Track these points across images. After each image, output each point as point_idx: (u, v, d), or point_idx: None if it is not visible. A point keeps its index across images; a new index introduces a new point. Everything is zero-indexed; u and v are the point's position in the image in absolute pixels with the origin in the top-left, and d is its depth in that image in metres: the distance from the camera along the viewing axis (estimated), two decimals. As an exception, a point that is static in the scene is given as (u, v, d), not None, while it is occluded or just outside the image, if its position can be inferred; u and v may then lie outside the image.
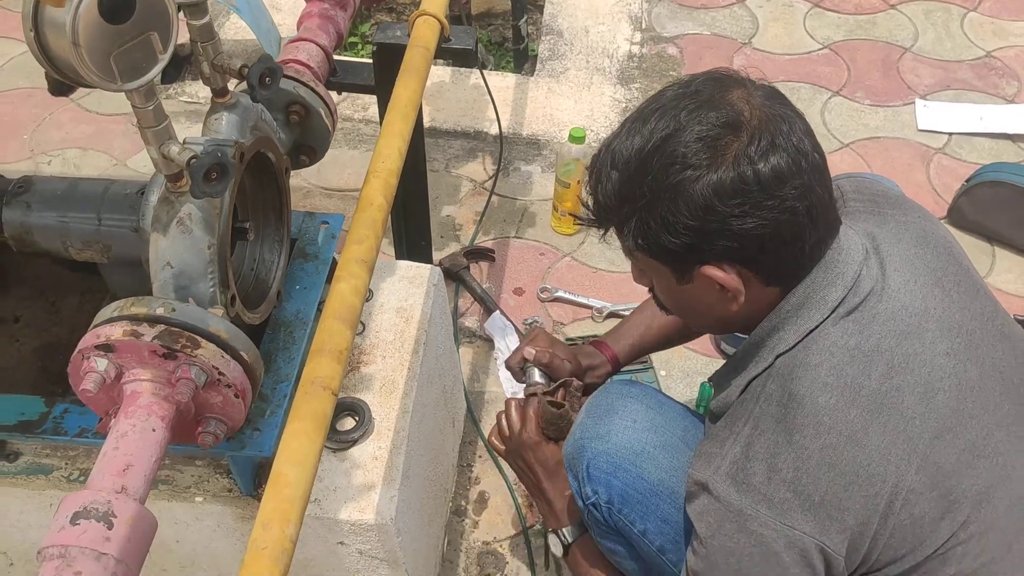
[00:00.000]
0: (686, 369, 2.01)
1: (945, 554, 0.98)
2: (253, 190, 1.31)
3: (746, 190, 0.93)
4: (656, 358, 2.01)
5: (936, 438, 0.97)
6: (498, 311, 2.11)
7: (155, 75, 0.95)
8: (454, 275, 2.20)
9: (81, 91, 2.85)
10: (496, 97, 2.53)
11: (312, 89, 1.36)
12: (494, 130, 2.54)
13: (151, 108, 0.96)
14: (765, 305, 1.03)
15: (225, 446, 1.23)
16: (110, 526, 0.89)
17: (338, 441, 1.33)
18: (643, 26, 2.97)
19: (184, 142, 1.03)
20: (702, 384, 1.89)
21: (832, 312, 0.99)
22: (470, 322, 2.13)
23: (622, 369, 1.54)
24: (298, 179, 2.50)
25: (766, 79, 1.01)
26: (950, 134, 2.56)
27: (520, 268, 2.25)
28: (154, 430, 0.99)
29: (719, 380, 1.12)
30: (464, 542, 1.75)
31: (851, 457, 0.95)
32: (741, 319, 1.07)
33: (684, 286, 1.03)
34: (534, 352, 1.45)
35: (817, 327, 1.00)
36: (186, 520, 1.34)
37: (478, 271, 2.24)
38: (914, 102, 2.65)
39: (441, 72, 2.77)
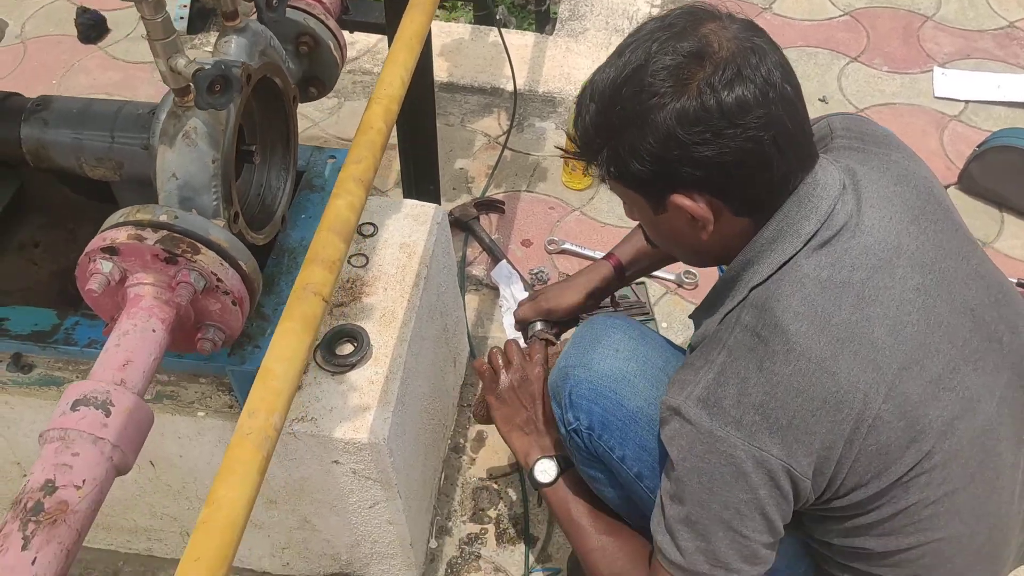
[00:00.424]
0: (687, 322, 2.03)
1: (908, 483, 1.01)
2: (262, 117, 1.35)
3: (707, 118, 0.95)
4: (658, 310, 2.04)
5: (904, 369, 0.99)
6: (505, 260, 2.14)
7: (163, -13, 0.99)
8: (464, 225, 2.23)
9: (109, 39, 2.92)
10: (514, 55, 2.55)
11: (322, 22, 1.40)
12: (510, 87, 2.56)
13: (160, 20, 1.01)
14: (738, 237, 1.06)
15: (226, 360, 1.28)
16: (108, 414, 0.94)
17: (336, 364, 1.38)
18: (664, -11, 2.97)
19: (193, 60, 1.08)
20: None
21: (805, 245, 1.01)
22: (477, 271, 2.17)
23: None
24: (315, 129, 2.55)
25: (743, 13, 1.03)
26: (967, 102, 2.54)
27: (529, 221, 2.28)
28: (154, 331, 1.04)
29: (698, 316, 1.15)
30: (461, 478, 1.80)
31: (819, 383, 0.97)
32: (716, 250, 1.09)
33: (660, 216, 1.06)
34: (519, 308, 1.58)
35: (790, 260, 1.02)
36: (189, 434, 1.40)
37: (487, 222, 2.28)
38: (932, 70, 2.64)
39: (461, 29, 2.79)
